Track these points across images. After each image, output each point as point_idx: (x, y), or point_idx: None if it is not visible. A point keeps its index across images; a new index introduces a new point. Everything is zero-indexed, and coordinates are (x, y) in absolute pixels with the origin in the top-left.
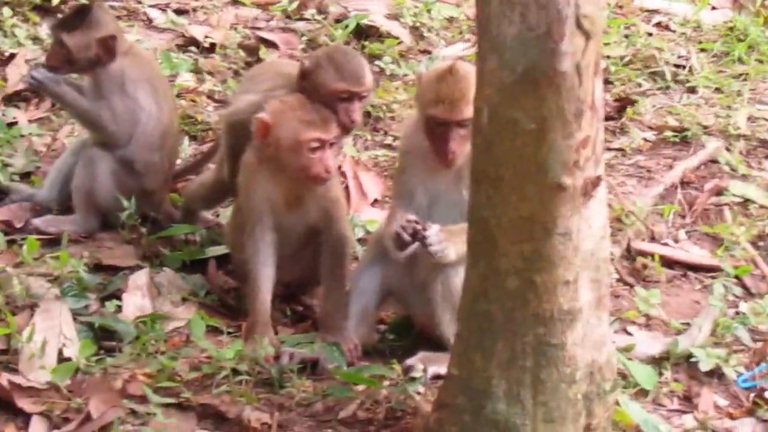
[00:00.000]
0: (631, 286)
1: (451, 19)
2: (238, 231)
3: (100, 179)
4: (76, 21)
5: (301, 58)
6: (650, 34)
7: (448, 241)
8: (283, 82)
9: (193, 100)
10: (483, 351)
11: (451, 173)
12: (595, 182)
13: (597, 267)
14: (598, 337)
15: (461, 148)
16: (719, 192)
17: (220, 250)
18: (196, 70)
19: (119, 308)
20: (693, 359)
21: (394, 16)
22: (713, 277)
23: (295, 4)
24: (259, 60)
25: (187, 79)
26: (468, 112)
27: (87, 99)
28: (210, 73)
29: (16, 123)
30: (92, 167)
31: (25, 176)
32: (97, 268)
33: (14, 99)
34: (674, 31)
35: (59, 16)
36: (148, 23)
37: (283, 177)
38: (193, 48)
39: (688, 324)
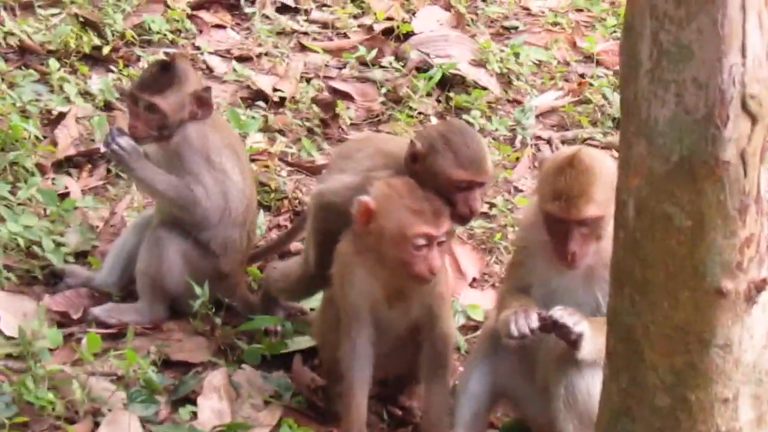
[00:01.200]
0: None
1: (539, 64)
2: (328, 325)
3: (169, 263)
4: (164, 79)
5: (412, 137)
6: None
7: (583, 322)
8: (386, 161)
9: (265, 166)
10: None
11: (579, 271)
12: (760, 286)
13: (759, 381)
14: None
15: (585, 248)
16: None
17: (304, 342)
18: (265, 129)
19: (194, 414)
20: None
21: (479, 63)
22: None
23: (373, 53)
24: (335, 116)
25: (257, 140)
26: (590, 210)
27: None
28: (280, 132)
29: (68, 194)
30: (160, 249)
31: (81, 256)
32: (165, 364)
33: (64, 165)
34: None
35: (112, 68)
36: (209, 73)
37: (384, 270)
38: (260, 102)
39: None
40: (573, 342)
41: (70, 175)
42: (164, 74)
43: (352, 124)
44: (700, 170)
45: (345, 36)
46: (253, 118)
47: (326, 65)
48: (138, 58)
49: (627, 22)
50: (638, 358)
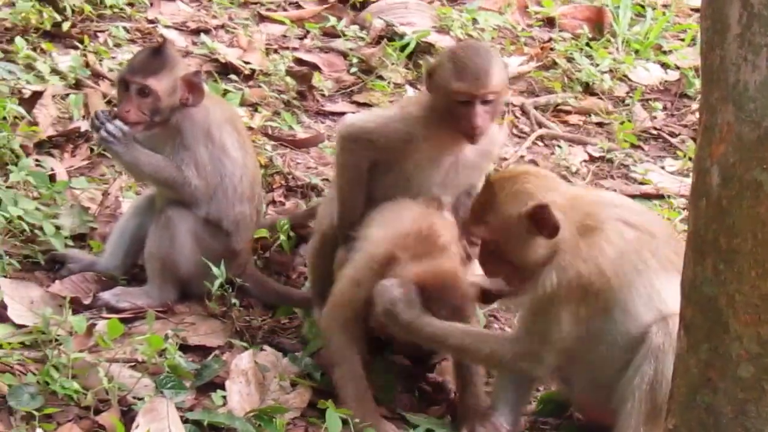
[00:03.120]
0: None
1: (498, 28)
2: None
3: (180, 244)
4: (156, 63)
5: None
6: None
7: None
8: (415, 98)
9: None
10: None
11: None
12: None
13: None
14: None
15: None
16: None
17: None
18: (242, 102)
19: (223, 399)
20: None
21: (441, 30)
22: None
23: (343, 22)
24: (310, 88)
25: (239, 114)
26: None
27: (162, 155)
28: (257, 105)
29: (53, 174)
30: (171, 230)
31: (76, 239)
32: (181, 348)
33: (45, 146)
34: None
35: (76, 44)
36: None
37: None
38: (232, 76)
39: None
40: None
41: (52, 155)
42: (156, 58)
43: (326, 96)
44: None
45: (299, 6)
46: (233, 92)
47: (285, 36)
48: (96, 34)
49: None
50: (721, 328)
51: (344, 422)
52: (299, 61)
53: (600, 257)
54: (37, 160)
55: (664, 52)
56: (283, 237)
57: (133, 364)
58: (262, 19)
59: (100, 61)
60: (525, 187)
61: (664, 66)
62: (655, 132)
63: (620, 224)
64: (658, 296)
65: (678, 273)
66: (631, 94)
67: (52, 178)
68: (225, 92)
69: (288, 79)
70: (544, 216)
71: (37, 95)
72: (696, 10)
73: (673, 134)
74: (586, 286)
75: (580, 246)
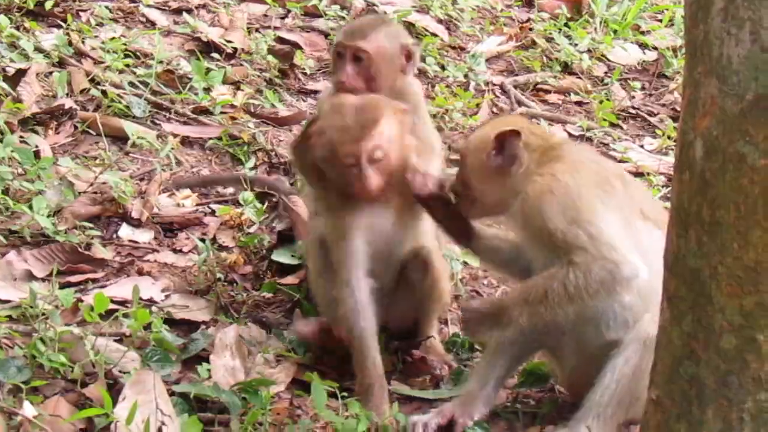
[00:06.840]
0: None
1: (477, 8)
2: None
3: None
4: None
5: None
6: None
7: None
8: None
9: (232, 118)
10: (689, 422)
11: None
12: None
13: None
14: None
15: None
16: None
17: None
18: (224, 80)
19: (208, 372)
20: None
21: (422, 9)
22: None
23: (324, 1)
24: (293, 67)
25: (222, 92)
26: None
27: None
28: (239, 83)
29: (38, 151)
30: None
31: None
32: (167, 323)
33: (29, 122)
34: None
35: (59, 23)
36: (150, 26)
37: None
38: (215, 54)
39: None
40: None
41: (36, 132)
42: None
43: (308, 75)
44: None
45: None
46: (215, 71)
47: (266, 15)
48: (79, 13)
49: None
50: (705, 300)
51: (331, 395)
52: (281, 40)
53: (557, 172)
54: (21, 137)
55: (642, 33)
56: (250, 210)
57: (119, 338)
58: None
59: (83, 39)
60: (510, 121)
61: (642, 46)
62: (633, 111)
63: (584, 155)
64: (634, 228)
65: (656, 225)
66: (609, 74)
67: (36, 154)
68: (208, 70)
69: (270, 57)
70: (511, 142)
71: (21, 73)
72: None
73: (651, 113)
74: (551, 191)
75: (535, 171)
